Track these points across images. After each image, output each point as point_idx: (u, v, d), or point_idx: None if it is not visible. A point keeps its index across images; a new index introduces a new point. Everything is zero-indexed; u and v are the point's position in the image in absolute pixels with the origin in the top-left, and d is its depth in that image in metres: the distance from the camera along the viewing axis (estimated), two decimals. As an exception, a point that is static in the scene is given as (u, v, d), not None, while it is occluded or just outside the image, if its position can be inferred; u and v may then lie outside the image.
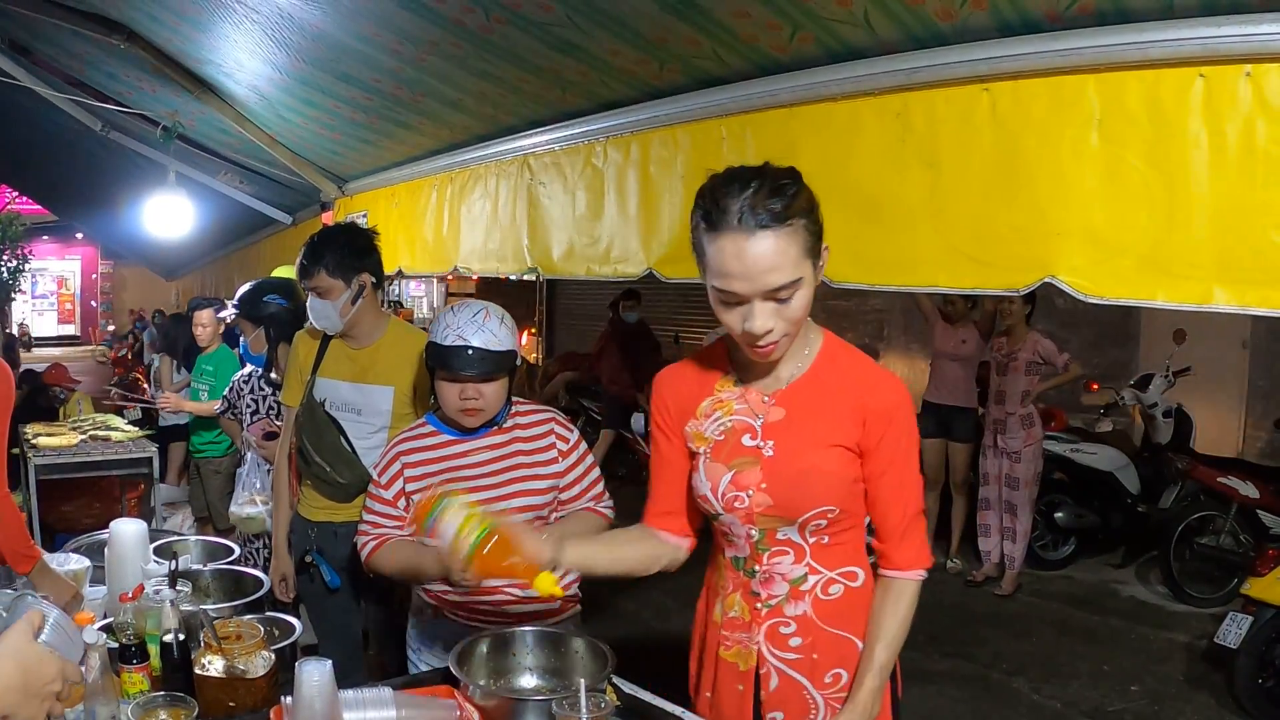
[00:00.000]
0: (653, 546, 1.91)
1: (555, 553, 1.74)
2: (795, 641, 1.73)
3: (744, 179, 1.56)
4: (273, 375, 3.88)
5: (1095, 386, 6.86)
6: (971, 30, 1.97)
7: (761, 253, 1.52)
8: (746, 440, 1.73)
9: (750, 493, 1.71)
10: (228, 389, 4.32)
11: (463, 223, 3.86)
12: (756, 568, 1.75)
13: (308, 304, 2.96)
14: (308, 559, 3.01)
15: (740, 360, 1.76)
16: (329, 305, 2.89)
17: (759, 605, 1.76)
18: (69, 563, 2.66)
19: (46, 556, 2.63)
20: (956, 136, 2.05)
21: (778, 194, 1.54)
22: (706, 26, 2.29)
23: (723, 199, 1.55)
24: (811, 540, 1.72)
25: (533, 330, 13.16)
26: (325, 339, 3.03)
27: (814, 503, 1.68)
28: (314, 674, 1.69)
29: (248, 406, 3.92)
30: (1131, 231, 1.81)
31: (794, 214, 1.54)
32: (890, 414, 1.69)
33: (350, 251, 2.91)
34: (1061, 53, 1.86)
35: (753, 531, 1.74)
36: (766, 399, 1.74)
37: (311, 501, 3.04)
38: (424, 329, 2.86)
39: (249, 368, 4.12)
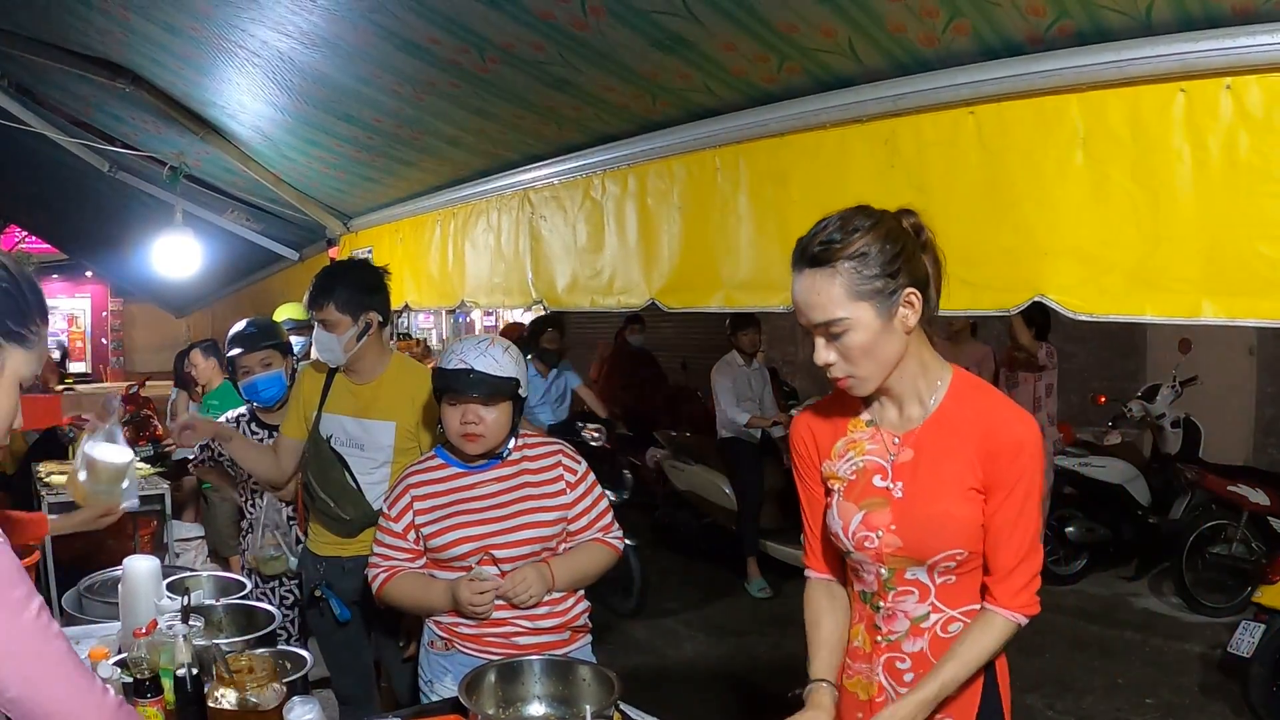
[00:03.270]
0: (845, 602, 1.87)
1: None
2: (909, 677, 1.73)
3: (827, 220, 1.65)
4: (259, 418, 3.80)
5: (1103, 399, 6.85)
6: (954, 55, 2.00)
7: (802, 289, 1.64)
8: (877, 481, 1.74)
9: (880, 534, 1.71)
10: None
11: (467, 257, 3.89)
12: (881, 604, 1.75)
13: (314, 335, 3.00)
14: (317, 593, 3.03)
15: (872, 400, 1.78)
16: (334, 339, 2.92)
17: (879, 639, 1.76)
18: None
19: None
20: (944, 160, 2.08)
21: (830, 236, 1.61)
22: (696, 60, 2.33)
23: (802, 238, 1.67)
24: (939, 580, 1.71)
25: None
26: (330, 375, 3.06)
27: (943, 546, 1.68)
28: (302, 716, 1.73)
29: None
30: (1118, 248, 1.83)
31: (838, 257, 1.60)
32: (1009, 451, 1.65)
33: (360, 289, 2.95)
34: (1043, 74, 1.89)
35: (882, 570, 1.74)
36: (896, 440, 1.74)
37: (319, 537, 3.07)
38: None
39: (235, 411, 3.94)
